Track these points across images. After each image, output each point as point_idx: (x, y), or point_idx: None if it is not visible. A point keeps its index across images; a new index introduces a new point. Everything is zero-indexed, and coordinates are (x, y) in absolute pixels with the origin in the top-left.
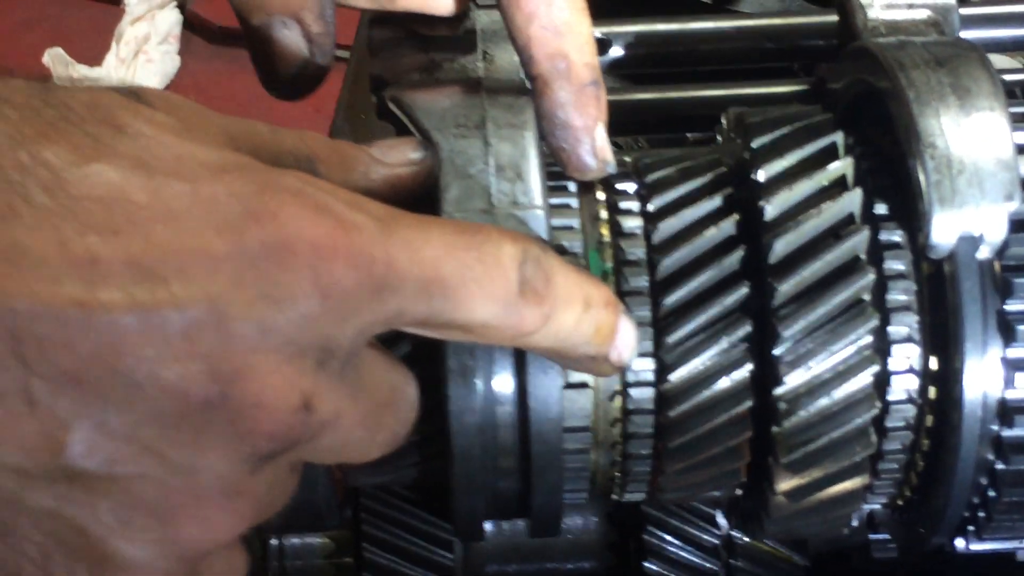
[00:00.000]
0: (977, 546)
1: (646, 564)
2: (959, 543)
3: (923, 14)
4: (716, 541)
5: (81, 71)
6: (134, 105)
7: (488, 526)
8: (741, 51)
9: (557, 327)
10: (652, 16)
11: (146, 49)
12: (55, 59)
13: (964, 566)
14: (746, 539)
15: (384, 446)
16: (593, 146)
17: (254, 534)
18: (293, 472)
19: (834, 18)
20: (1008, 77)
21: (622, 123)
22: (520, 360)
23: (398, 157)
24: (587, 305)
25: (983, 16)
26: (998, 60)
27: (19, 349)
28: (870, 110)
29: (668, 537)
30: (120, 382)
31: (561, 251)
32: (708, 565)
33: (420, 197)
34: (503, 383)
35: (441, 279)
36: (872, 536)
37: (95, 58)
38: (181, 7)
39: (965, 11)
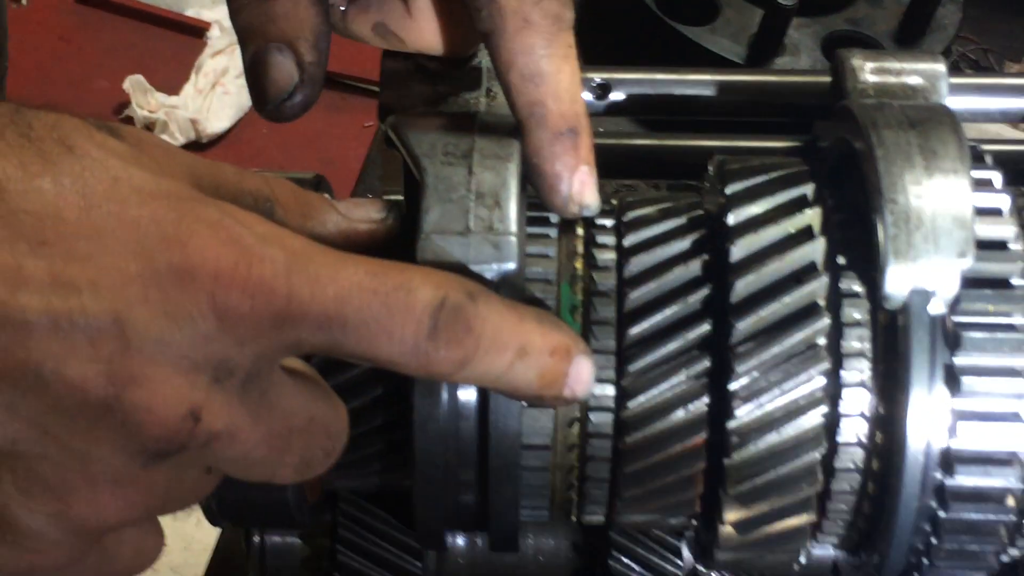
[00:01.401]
0: None
1: None
2: None
3: (913, 79)
4: (679, 573)
5: (159, 98)
6: (90, 130)
7: (460, 542)
8: (737, 104)
9: (482, 371)
10: (653, 66)
11: (223, 82)
12: (135, 85)
13: None
14: (711, 573)
15: (298, 471)
16: (569, 191)
17: (241, 529)
18: (207, 475)
19: (828, 79)
20: (999, 147)
21: (624, 167)
22: None
23: (360, 214)
24: (522, 353)
25: (972, 85)
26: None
27: None
28: (853, 169)
29: (633, 565)
30: (29, 373)
31: (535, 302)
32: None
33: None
34: (467, 396)
35: (342, 317)
36: None
37: (174, 87)
38: None
39: (955, 80)
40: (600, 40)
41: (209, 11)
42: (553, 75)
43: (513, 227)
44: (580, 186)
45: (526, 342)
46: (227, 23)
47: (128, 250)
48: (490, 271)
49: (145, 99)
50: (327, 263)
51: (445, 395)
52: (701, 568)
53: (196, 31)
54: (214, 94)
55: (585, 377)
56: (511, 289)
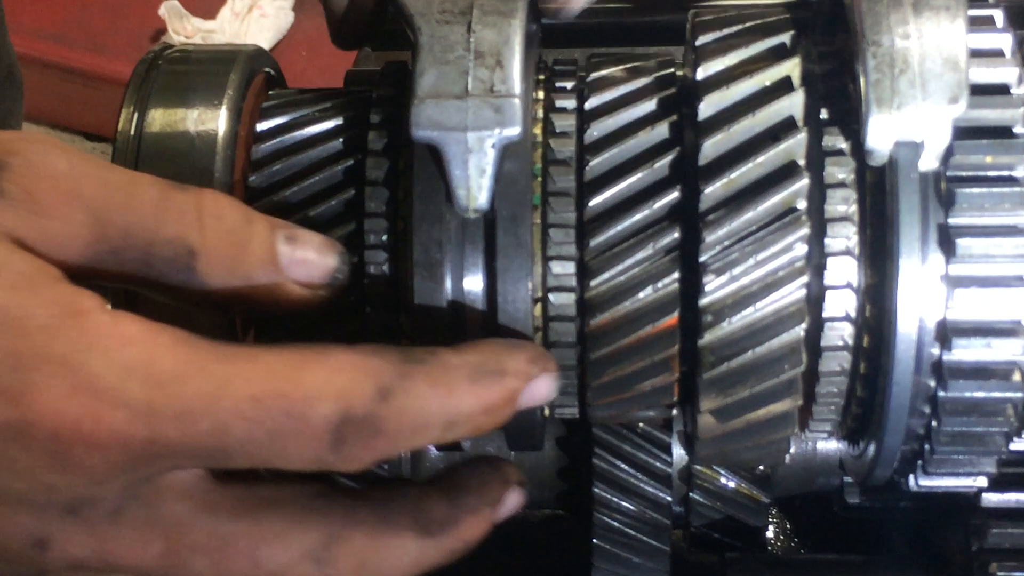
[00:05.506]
0: (927, 482)
1: (595, 489)
2: (911, 481)
3: None
4: (668, 470)
5: (195, 23)
6: None
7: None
8: None
9: (401, 448)
10: None
11: (260, 4)
12: (171, 11)
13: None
14: (706, 471)
15: None
16: None
17: None
18: None
19: None
20: None
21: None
22: (490, 260)
23: (301, 273)
24: (450, 426)
25: None
26: None
27: None
28: (844, 16)
29: (618, 463)
30: None
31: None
32: (660, 494)
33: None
34: (473, 283)
35: (222, 447)
36: (846, 479)
37: (210, 11)
38: None
39: None
40: None
41: None
42: None
43: (517, 88)
44: None
45: (453, 416)
46: None
47: None
48: (491, 137)
49: (181, 24)
50: (203, 391)
51: (449, 281)
52: (696, 467)
53: None
54: (251, 17)
55: (542, 395)
56: (516, 162)
